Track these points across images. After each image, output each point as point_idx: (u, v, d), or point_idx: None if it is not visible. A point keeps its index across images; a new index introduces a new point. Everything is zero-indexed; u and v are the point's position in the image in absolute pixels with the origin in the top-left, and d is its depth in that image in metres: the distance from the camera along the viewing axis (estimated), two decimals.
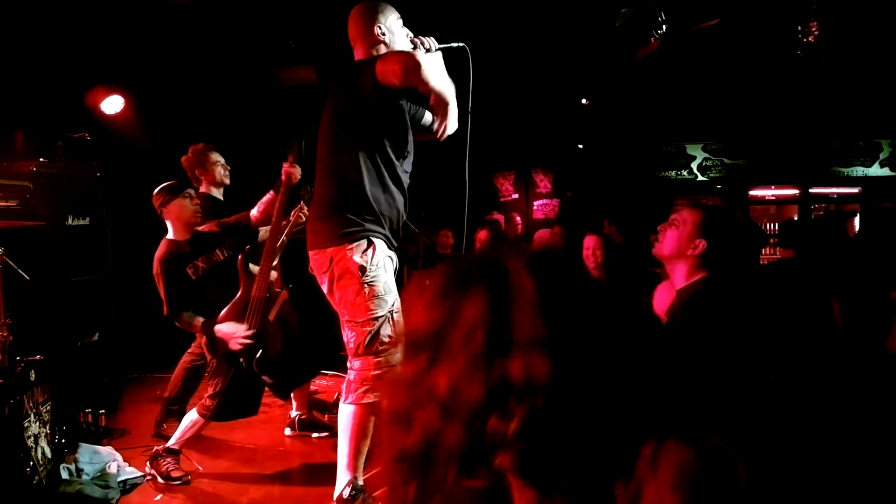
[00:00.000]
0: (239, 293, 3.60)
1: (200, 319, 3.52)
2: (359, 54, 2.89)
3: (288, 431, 4.25)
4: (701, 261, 2.45)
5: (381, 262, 2.75)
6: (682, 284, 2.50)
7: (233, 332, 3.46)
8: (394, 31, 2.86)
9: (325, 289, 2.87)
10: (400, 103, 2.80)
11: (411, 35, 2.90)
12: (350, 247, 2.70)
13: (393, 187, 2.82)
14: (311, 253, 2.87)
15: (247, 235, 3.91)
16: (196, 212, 3.75)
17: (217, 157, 4.04)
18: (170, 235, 3.72)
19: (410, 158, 2.93)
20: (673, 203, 8.46)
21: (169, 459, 3.53)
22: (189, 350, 4.19)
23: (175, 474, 3.49)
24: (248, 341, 3.44)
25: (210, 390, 3.54)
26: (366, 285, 2.71)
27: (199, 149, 4.02)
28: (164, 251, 3.63)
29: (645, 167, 10.48)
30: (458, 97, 2.95)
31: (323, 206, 2.84)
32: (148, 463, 3.56)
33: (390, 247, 2.84)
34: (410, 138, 2.89)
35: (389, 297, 2.77)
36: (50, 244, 4.38)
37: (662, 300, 2.72)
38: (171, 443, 3.58)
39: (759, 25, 6.28)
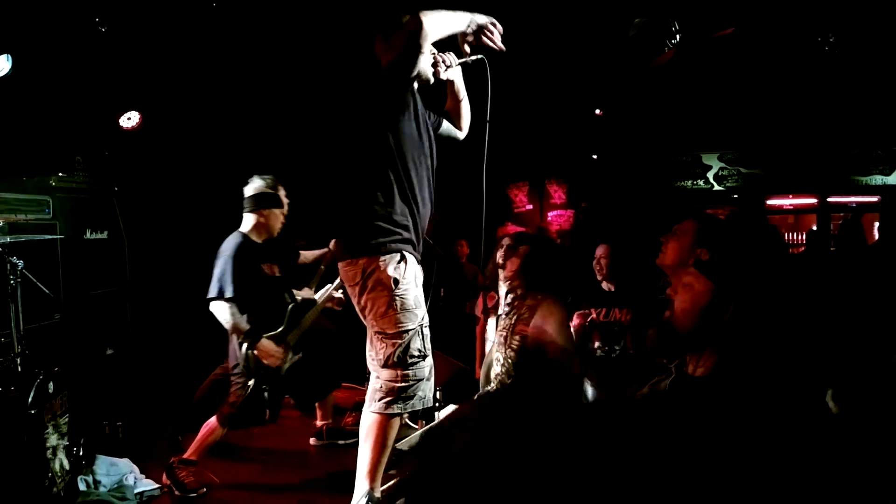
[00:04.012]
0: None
1: (245, 324, 3.55)
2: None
3: (313, 441, 4.24)
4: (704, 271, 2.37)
5: (413, 275, 2.72)
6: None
7: (273, 351, 3.57)
8: None
9: (354, 301, 2.82)
10: (417, 111, 2.79)
11: (434, 51, 2.88)
12: (384, 258, 2.66)
13: (419, 196, 2.77)
14: (340, 265, 2.81)
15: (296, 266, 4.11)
16: (281, 226, 3.87)
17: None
18: (245, 230, 3.77)
19: (433, 168, 2.89)
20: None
21: (186, 471, 3.53)
22: (222, 365, 4.17)
23: (192, 486, 3.49)
24: (279, 364, 3.60)
25: (232, 399, 3.58)
26: (397, 298, 2.67)
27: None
28: (239, 241, 3.67)
29: (660, 177, 10.43)
30: (476, 108, 2.97)
31: (352, 216, 2.76)
32: (165, 474, 3.57)
33: (417, 260, 2.82)
34: (433, 145, 2.88)
35: (419, 310, 2.74)
36: (68, 258, 4.43)
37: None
38: (188, 454, 3.58)
39: (774, 34, 6.24)
